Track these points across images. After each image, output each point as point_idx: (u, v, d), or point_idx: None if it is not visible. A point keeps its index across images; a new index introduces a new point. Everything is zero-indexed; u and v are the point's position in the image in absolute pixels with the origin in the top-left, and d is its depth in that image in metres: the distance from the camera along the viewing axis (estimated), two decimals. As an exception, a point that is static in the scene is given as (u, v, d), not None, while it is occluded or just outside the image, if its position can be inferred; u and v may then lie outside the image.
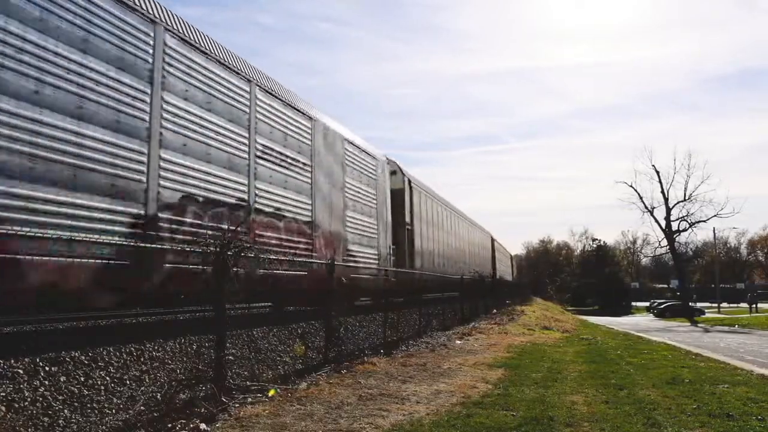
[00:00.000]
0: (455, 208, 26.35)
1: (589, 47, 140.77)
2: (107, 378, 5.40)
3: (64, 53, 5.55)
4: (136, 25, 6.50)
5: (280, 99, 9.73)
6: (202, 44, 7.69)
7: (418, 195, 18.91)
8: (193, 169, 7.33)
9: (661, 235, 45.52)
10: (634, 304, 71.99)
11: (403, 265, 16.23)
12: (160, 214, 6.60)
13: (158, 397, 5.61)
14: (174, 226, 6.82)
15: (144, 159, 6.46)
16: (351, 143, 12.84)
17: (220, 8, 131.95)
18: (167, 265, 6.52)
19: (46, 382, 4.84)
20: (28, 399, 4.61)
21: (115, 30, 6.18)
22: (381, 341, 11.40)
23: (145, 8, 6.64)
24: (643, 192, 46.88)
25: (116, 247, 5.82)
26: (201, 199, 7.41)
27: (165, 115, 6.88)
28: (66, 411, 4.80)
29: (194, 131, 7.43)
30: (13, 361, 4.75)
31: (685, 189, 44.50)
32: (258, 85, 9.02)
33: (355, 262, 12.36)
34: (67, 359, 5.18)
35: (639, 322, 38.01)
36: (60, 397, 4.84)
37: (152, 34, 6.71)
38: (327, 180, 11.28)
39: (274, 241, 9.02)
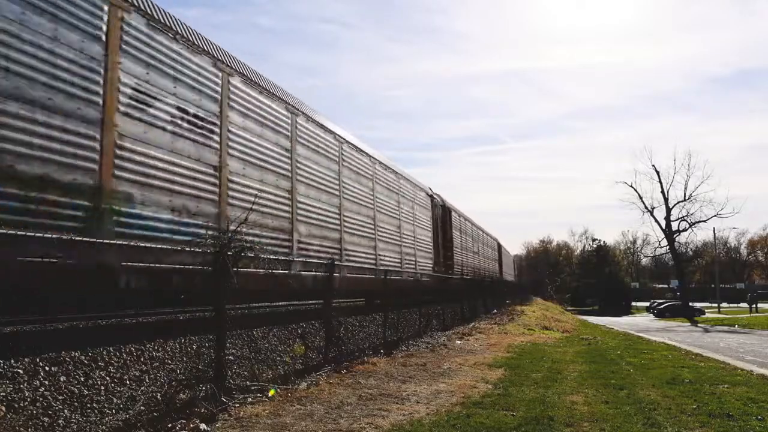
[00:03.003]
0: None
1: (589, 48, 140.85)
2: (107, 378, 5.40)
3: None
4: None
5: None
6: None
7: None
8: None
9: (661, 235, 45.45)
10: (634, 304, 71.95)
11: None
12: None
13: (158, 397, 5.61)
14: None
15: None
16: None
17: (220, 10, 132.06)
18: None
19: (46, 382, 4.84)
20: (28, 399, 4.60)
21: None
22: (381, 341, 11.40)
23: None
24: (643, 192, 46.96)
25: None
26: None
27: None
28: (66, 411, 4.80)
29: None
30: (13, 361, 4.74)
31: (685, 189, 44.47)
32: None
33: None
34: (67, 359, 5.17)
35: (639, 322, 38.01)
36: (60, 397, 4.84)
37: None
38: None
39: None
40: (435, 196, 18.73)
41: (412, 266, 14.98)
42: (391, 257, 13.05)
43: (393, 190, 13.87)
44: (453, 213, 21.49)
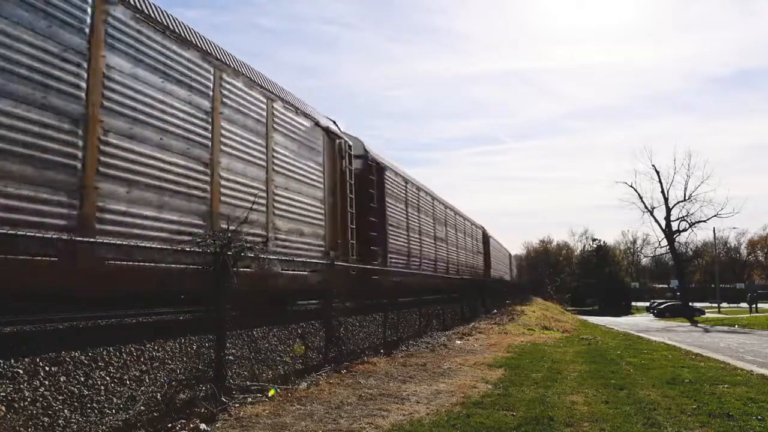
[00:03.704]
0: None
1: (589, 48, 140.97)
2: (107, 378, 5.40)
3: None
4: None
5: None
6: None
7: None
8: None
9: (661, 235, 45.61)
10: (634, 304, 71.98)
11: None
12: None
13: (158, 397, 5.61)
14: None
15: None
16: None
17: (220, 10, 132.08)
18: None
19: (46, 382, 4.84)
20: (28, 399, 4.60)
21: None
22: (381, 341, 11.41)
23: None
24: (643, 192, 47.10)
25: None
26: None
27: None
28: (66, 411, 4.80)
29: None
30: (13, 361, 4.74)
31: (685, 189, 44.63)
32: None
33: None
34: (67, 359, 5.17)
35: (639, 322, 38.03)
36: (60, 397, 4.84)
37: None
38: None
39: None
40: (342, 136, 11.17)
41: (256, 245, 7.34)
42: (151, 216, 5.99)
43: (198, 87, 6.88)
44: (389, 173, 13.77)
